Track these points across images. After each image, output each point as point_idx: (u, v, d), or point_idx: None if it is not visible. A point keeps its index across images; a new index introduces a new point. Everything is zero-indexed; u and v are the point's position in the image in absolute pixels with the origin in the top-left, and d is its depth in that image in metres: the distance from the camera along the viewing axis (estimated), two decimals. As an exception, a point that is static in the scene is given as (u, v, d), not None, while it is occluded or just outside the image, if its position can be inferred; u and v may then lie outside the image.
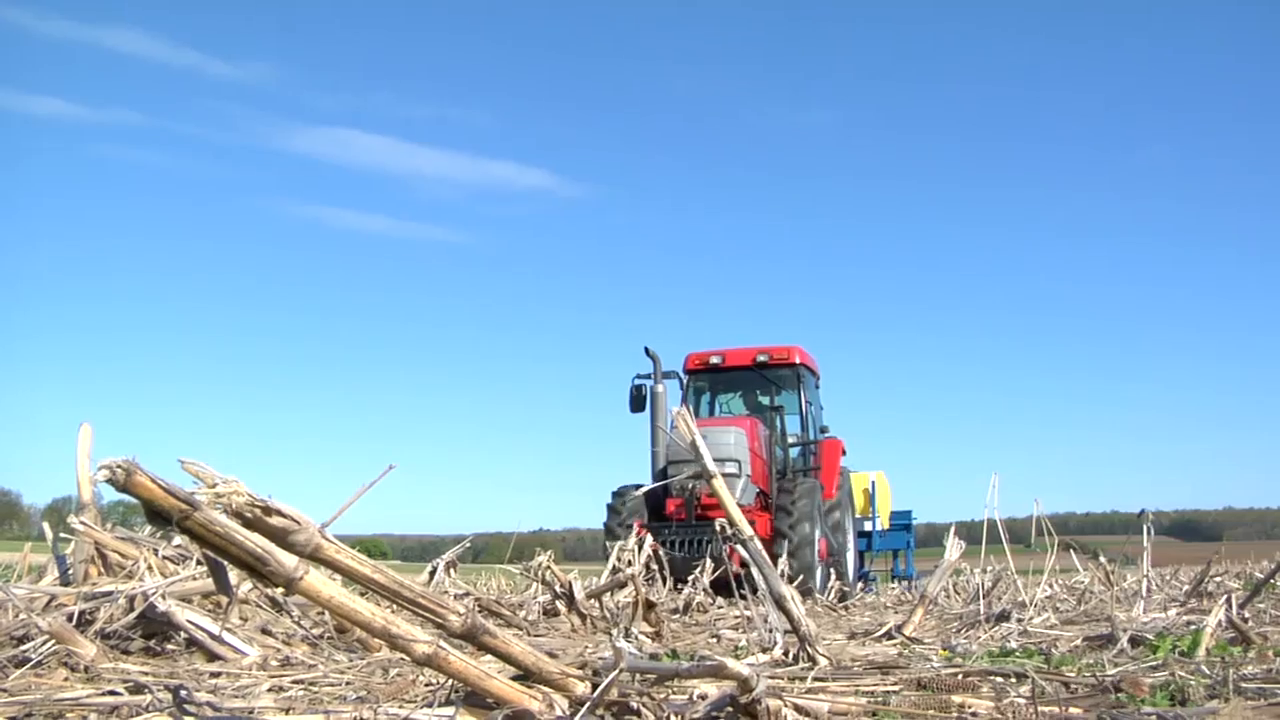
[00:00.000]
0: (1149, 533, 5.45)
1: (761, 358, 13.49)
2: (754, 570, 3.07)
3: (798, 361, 13.61)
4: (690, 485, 11.28)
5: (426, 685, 2.30)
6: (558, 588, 4.60)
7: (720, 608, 6.20)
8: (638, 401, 12.87)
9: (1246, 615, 3.61)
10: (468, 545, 6.68)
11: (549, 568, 4.95)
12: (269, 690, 2.32)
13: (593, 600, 4.57)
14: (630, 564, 4.74)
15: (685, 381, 13.61)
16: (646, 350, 12.68)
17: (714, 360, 13.75)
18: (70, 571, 3.30)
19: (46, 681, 2.37)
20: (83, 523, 3.24)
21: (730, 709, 1.58)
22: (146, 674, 2.46)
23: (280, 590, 3.12)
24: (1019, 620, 4.27)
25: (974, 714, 1.90)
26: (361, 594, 1.55)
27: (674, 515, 11.63)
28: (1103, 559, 5.93)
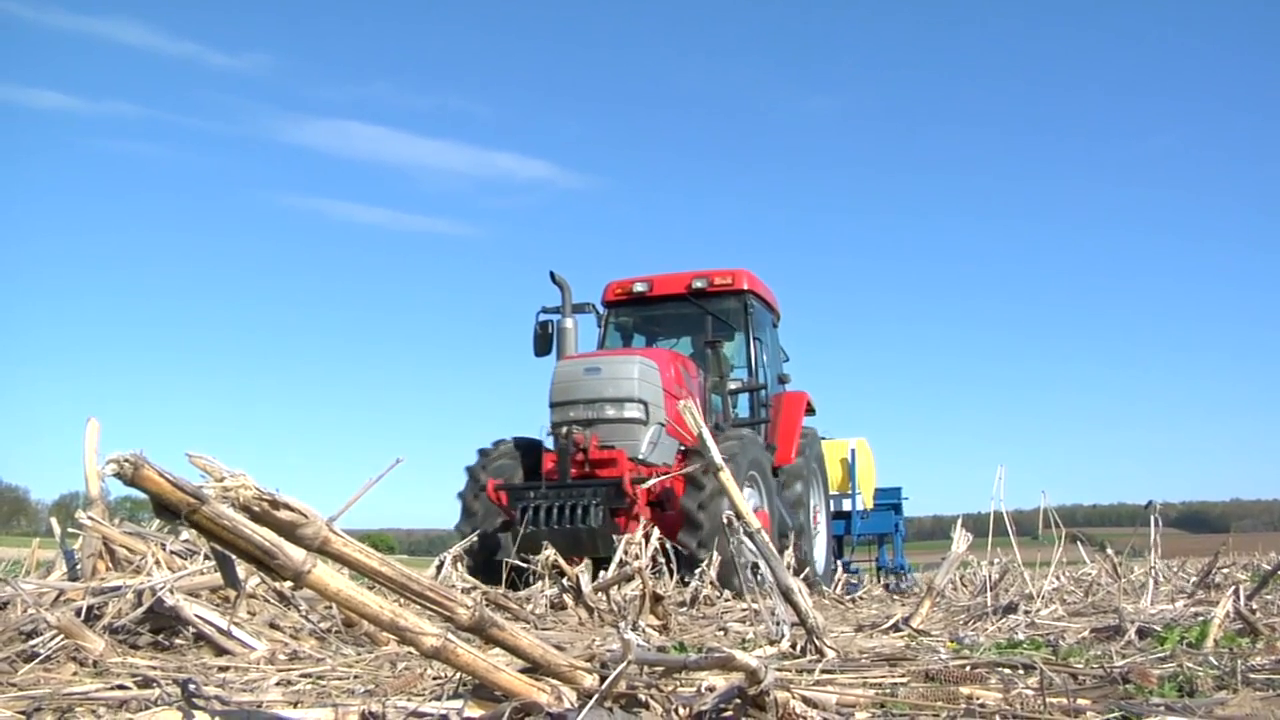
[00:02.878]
0: (1156, 524, 5.44)
1: (699, 284, 10.81)
2: (761, 563, 3.06)
3: (746, 288, 10.89)
4: (566, 431, 8.83)
5: (435, 678, 2.30)
6: (565, 581, 4.60)
7: (727, 601, 6.20)
8: (543, 342, 10.45)
9: (1254, 606, 3.60)
10: (474, 539, 6.70)
11: (555, 562, 4.95)
12: (277, 684, 2.32)
13: (600, 593, 4.58)
14: (637, 557, 4.74)
15: (604, 317, 11.19)
16: (552, 276, 10.13)
17: (639, 288, 11.03)
18: (78, 567, 3.31)
19: (55, 676, 2.37)
20: (90, 518, 3.25)
21: (738, 701, 1.58)
22: (155, 668, 2.47)
23: (288, 584, 3.13)
24: (1026, 612, 4.27)
25: (982, 705, 1.90)
26: (370, 588, 1.55)
27: (550, 475, 9.02)
28: (1110, 551, 5.93)
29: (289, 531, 1.41)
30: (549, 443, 9.28)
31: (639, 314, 11.36)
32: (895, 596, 10.20)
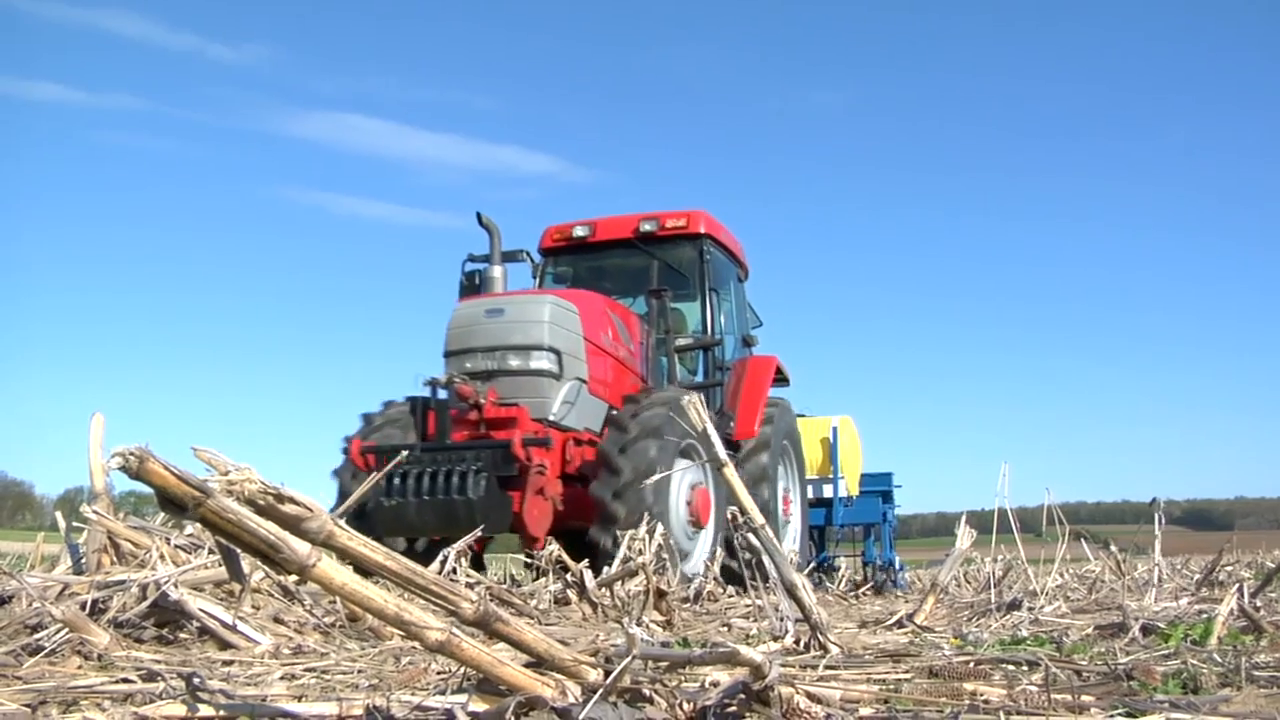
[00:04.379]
0: (1160, 522, 5.44)
1: (647, 226, 9.40)
2: (764, 558, 3.06)
3: (702, 231, 9.46)
4: (448, 380, 7.26)
5: (439, 673, 2.30)
6: (569, 576, 4.60)
7: (731, 596, 6.20)
8: (469, 294, 8.71)
9: (1258, 604, 3.60)
10: (479, 534, 6.65)
11: (560, 557, 4.95)
12: (281, 678, 2.32)
13: (604, 589, 4.58)
14: (641, 553, 4.74)
15: (540, 266, 9.80)
16: (479, 218, 8.52)
17: (579, 233, 9.65)
18: (83, 561, 3.32)
19: (60, 669, 2.38)
20: (95, 512, 3.26)
21: (743, 696, 1.58)
22: (159, 662, 2.47)
23: (293, 578, 3.14)
24: (1030, 609, 4.27)
25: (986, 701, 1.90)
26: (376, 583, 1.55)
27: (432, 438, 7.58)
28: (1114, 548, 5.92)
29: (294, 525, 1.41)
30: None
31: (581, 263, 9.83)
32: (878, 597, 9.34)
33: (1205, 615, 3.41)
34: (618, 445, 7.24)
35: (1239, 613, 3.14)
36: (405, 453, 6.37)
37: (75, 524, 3.43)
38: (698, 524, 7.93)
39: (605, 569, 5.10)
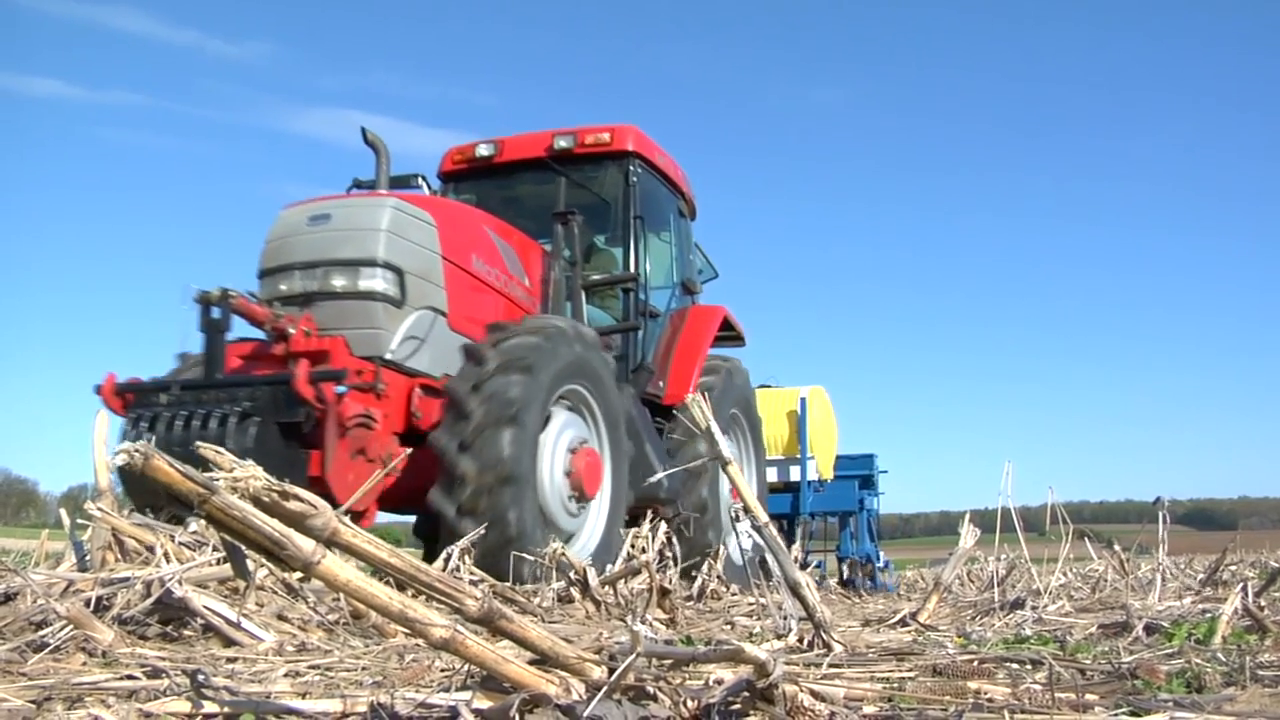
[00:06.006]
0: (1164, 521, 5.43)
1: (563, 143, 7.94)
2: (768, 556, 3.06)
3: (630, 149, 8.00)
4: (221, 295, 5.46)
5: (443, 670, 2.31)
6: (572, 574, 4.61)
7: (734, 594, 6.21)
8: None
9: (1262, 603, 3.59)
10: (480, 533, 6.64)
11: (563, 554, 4.95)
12: (285, 675, 2.33)
13: (607, 587, 4.58)
14: (644, 550, 4.75)
15: (440, 193, 8.20)
16: (365, 136, 6.78)
17: (483, 152, 8.17)
18: (87, 558, 3.32)
19: (65, 666, 2.38)
20: (100, 509, 3.26)
21: (747, 694, 1.58)
22: (164, 659, 2.48)
23: (297, 575, 3.14)
24: (1034, 608, 4.26)
25: (990, 700, 1.90)
26: (382, 580, 1.55)
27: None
28: (1117, 547, 5.91)
29: (298, 522, 1.42)
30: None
31: (486, 189, 8.27)
32: (853, 597, 8.45)
33: (1209, 615, 3.40)
34: (469, 381, 5.71)
35: (1243, 612, 3.13)
36: (164, 395, 5.31)
37: (79, 521, 3.44)
38: (581, 496, 6.38)
39: (450, 550, 4.54)
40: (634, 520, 7.40)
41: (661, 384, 8.28)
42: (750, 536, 3.11)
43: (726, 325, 9.22)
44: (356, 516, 5.27)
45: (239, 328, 5.77)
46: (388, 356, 5.92)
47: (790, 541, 10.21)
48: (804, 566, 9.85)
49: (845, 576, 11.56)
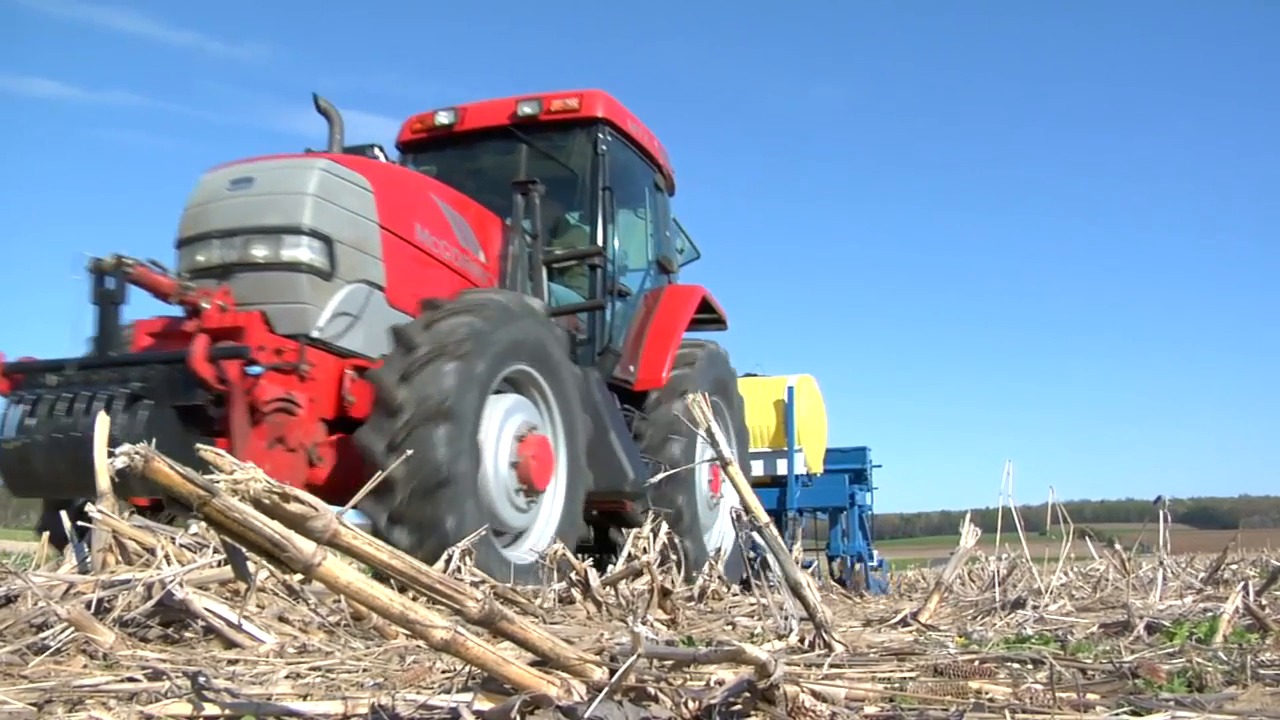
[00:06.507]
0: (1165, 520, 5.43)
1: (528, 109, 7.45)
2: (769, 556, 3.05)
3: (600, 115, 7.53)
4: (116, 262, 4.87)
5: (444, 672, 2.31)
6: (573, 575, 4.61)
7: (735, 595, 6.20)
8: None
9: (1264, 602, 3.59)
10: (483, 533, 6.62)
11: (564, 554, 4.95)
12: (286, 677, 2.33)
13: (608, 588, 4.58)
14: (645, 551, 4.75)
15: (400, 164, 7.62)
16: (317, 103, 6.37)
17: (442, 120, 7.68)
18: (88, 560, 3.32)
19: (65, 668, 2.38)
20: (100, 511, 3.26)
21: (748, 694, 1.58)
22: (164, 661, 2.48)
23: (298, 577, 3.14)
24: (1035, 607, 4.26)
25: (991, 700, 1.90)
26: (385, 582, 1.55)
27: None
28: (1118, 546, 5.91)
29: (299, 524, 1.42)
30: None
31: (448, 161, 7.75)
32: (853, 597, 8.15)
33: (1210, 614, 3.40)
34: (397, 371, 5.14)
35: (1244, 611, 3.13)
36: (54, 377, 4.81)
37: (80, 523, 3.43)
38: (531, 489, 5.83)
39: (451, 552, 4.36)
40: (602, 516, 7.19)
41: (632, 368, 7.78)
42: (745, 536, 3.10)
43: (706, 307, 8.75)
44: None
45: (156, 304, 5.30)
46: (314, 334, 5.39)
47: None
48: (805, 566, 9.69)
49: (836, 575, 11.01)
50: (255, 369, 4.91)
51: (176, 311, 5.30)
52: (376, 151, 6.66)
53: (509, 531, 5.79)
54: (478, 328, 5.38)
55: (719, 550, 7.33)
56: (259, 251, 5.33)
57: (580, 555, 7.99)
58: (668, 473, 6.29)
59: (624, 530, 6.87)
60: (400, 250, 5.91)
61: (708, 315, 8.92)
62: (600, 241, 7.43)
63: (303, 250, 5.34)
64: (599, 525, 7.13)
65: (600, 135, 7.55)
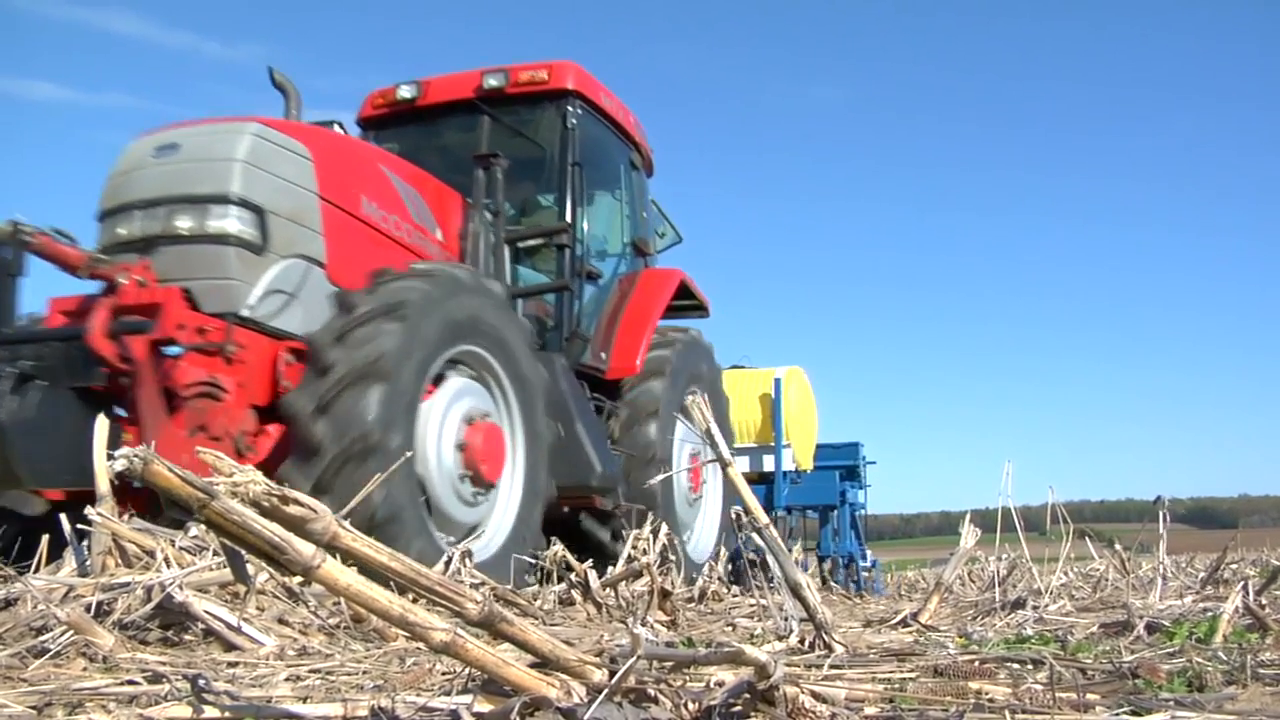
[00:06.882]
0: (1165, 520, 5.43)
1: (493, 82, 7.01)
2: (769, 558, 3.05)
3: (570, 88, 7.13)
4: (19, 230, 4.43)
5: (444, 674, 2.30)
6: (573, 577, 4.61)
7: (736, 596, 6.20)
8: None
9: (1263, 602, 3.59)
10: (481, 533, 6.59)
11: (565, 556, 4.95)
12: (286, 679, 2.33)
13: (608, 589, 4.58)
14: (645, 552, 4.75)
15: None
16: (272, 77, 6.03)
17: (405, 94, 7.28)
18: (88, 563, 3.32)
19: (65, 671, 2.38)
20: (100, 514, 3.26)
21: (748, 695, 1.58)
22: (164, 664, 2.48)
23: (298, 579, 3.14)
24: (1035, 608, 4.26)
25: (991, 700, 1.90)
26: (386, 585, 1.55)
27: None
28: (1118, 546, 5.91)
29: (298, 526, 1.42)
30: None
31: (411, 137, 7.32)
32: (853, 598, 7.98)
33: (1210, 613, 3.40)
34: (334, 331, 4.75)
35: (1244, 611, 3.13)
36: None
37: (80, 526, 3.43)
38: (478, 478, 5.36)
39: (451, 553, 4.25)
40: (561, 517, 6.62)
41: (604, 356, 7.36)
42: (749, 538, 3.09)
43: (687, 294, 8.35)
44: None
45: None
46: (244, 313, 4.91)
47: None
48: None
49: (823, 578, 10.53)
50: (174, 349, 4.56)
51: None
52: (336, 128, 6.32)
53: (456, 527, 5.35)
54: (427, 293, 5.01)
55: (682, 547, 6.91)
56: (183, 223, 4.90)
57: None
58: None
59: (604, 525, 6.73)
60: (343, 224, 5.46)
61: (689, 302, 8.54)
62: (569, 220, 6.98)
63: (230, 221, 4.89)
64: (570, 521, 6.78)
65: (570, 109, 7.13)
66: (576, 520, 6.97)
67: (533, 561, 5.19)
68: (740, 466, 9.68)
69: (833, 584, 10.17)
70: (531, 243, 7.07)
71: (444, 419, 5.20)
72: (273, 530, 1.39)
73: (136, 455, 1.30)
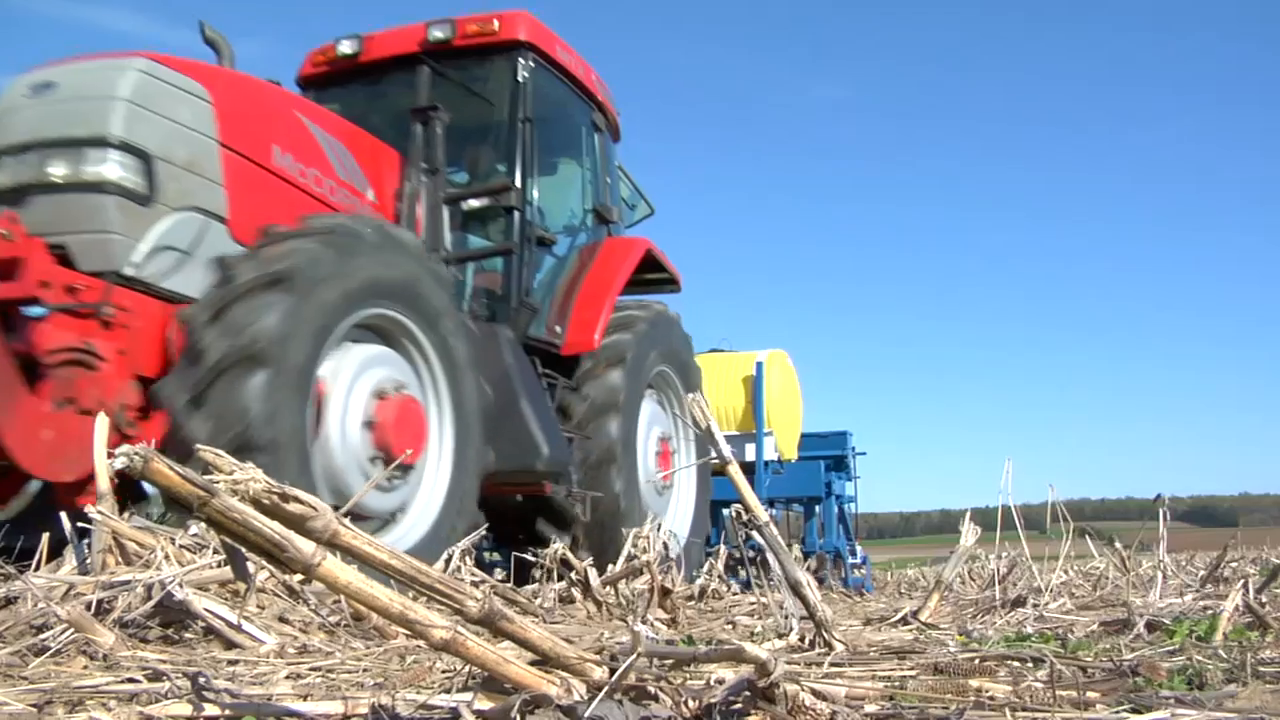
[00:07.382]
0: (1165, 518, 5.43)
1: (438, 33, 6.47)
2: (769, 555, 3.05)
3: (522, 39, 6.59)
4: None
5: (444, 671, 2.31)
6: (573, 574, 4.61)
7: (735, 594, 6.20)
8: None
9: (1264, 600, 3.59)
10: (483, 533, 6.56)
11: (565, 555, 4.95)
12: (286, 677, 2.33)
13: (608, 587, 4.58)
14: (645, 551, 4.75)
15: None
16: (203, 32, 5.64)
17: (345, 49, 6.72)
18: (88, 561, 3.32)
19: (66, 669, 2.38)
20: (100, 512, 3.26)
21: (748, 693, 1.58)
22: (165, 662, 2.48)
23: (298, 577, 3.14)
24: (1035, 606, 4.26)
25: (991, 698, 1.90)
26: (387, 583, 1.55)
27: None
28: (1118, 545, 5.91)
29: (298, 524, 1.42)
30: None
31: (353, 96, 6.74)
32: (853, 596, 7.72)
33: (1210, 611, 3.41)
34: (210, 307, 4.22)
35: (1244, 609, 3.13)
36: None
37: (80, 524, 3.43)
38: (389, 458, 4.66)
39: (451, 551, 4.07)
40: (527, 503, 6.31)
41: (559, 329, 6.87)
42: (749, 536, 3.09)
43: (657, 266, 7.82)
44: (74, 490, 3.94)
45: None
46: (128, 271, 4.36)
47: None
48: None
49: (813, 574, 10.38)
50: (36, 310, 4.07)
51: None
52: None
53: (370, 514, 4.79)
54: (319, 256, 4.42)
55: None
56: (56, 169, 4.34)
57: (499, 549, 7.10)
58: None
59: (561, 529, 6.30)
60: (249, 175, 4.85)
61: (659, 275, 8.02)
62: (519, 182, 6.40)
63: (110, 166, 4.31)
64: (526, 514, 6.44)
65: (522, 60, 6.58)
66: (527, 513, 6.64)
67: (477, 545, 4.70)
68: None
69: (817, 580, 9.99)
70: (475, 204, 6.50)
71: (349, 393, 4.66)
72: (273, 528, 1.39)
73: (137, 453, 1.30)
